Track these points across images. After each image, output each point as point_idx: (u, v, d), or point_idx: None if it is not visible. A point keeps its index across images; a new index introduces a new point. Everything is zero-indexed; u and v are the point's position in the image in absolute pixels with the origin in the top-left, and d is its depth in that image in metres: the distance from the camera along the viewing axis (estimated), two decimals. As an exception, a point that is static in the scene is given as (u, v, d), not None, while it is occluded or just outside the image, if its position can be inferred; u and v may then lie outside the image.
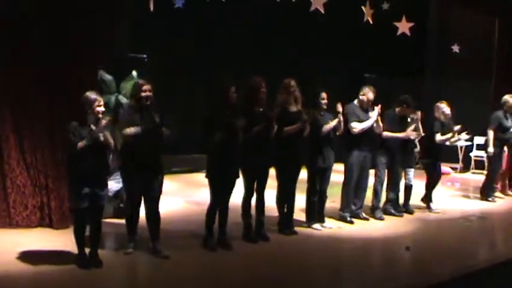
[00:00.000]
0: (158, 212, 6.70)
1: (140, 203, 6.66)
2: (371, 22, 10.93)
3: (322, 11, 9.89)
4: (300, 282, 6.23)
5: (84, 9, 7.73)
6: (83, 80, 7.76)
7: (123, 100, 9.81)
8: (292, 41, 13.71)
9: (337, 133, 8.13)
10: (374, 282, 6.43)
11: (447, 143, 9.68)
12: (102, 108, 6.11)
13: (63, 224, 7.64)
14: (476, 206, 10.45)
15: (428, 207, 9.74)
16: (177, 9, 10.78)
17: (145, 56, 11.19)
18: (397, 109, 8.94)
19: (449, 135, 9.51)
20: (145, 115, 6.47)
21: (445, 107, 9.65)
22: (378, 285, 6.32)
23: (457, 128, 9.66)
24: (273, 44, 13.46)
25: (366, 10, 10.89)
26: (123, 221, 7.02)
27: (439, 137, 9.43)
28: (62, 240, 7.09)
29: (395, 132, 8.83)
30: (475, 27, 15.26)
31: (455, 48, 13.82)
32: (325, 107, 8.01)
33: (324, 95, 7.99)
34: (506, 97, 10.96)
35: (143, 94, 6.49)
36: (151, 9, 9.36)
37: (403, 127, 8.92)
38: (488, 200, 10.71)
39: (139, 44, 11.43)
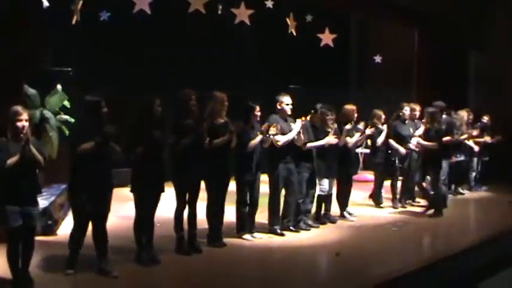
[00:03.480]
0: (106, 230, 6.57)
1: (88, 223, 6.50)
2: (295, 34, 11.13)
3: (248, 23, 10.00)
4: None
5: (7, 23, 7.57)
6: (7, 95, 7.61)
7: (48, 114, 9.64)
8: (219, 53, 13.76)
9: (264, 146, 8.20)
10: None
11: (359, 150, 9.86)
12: (23, 123, 5.90)
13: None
14: (402, 211, 10.74)
15: (342, 215, 9.85)
16: (102, 22, 10.68)
17: (70, 69, 11.02)
18: (310, 118, 8.88)
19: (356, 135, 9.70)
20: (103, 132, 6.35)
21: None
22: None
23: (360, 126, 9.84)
24: (200, 56, 13.47)
25: (290, 22, 11.08)
26: (51, 238, 6.87)
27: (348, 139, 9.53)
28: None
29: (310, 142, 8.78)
30: (396, 38, 15.79)
31: (377, 59, 14.18)
32: (258, 119, 8.12)
33: (257, 107, 8.11)
34: (411, 105, 11.38)
35: (102, 110, 6.40)
36: (74, 22, 9.22)
37: (317, 136, 8.88)
38: (381, 207, 10.90)
39: (65, 57, 11.24)
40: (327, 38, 11.58)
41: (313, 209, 9.29)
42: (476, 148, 12.88)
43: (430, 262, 7.53)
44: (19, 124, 5.88)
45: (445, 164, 10.64)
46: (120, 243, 7.21)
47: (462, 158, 12.56)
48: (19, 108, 5.98)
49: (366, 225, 9.57)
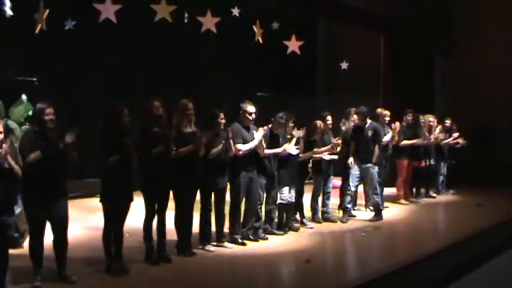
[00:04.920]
0: (66, 239, 6.52)
1: (44, 230, 6.44)
2: (261, 41, 11.14)
3: (214, 31, 9.98)
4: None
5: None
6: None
7: (13, 125, 9.47)
8: (186, 62, 13.73)
9: (229, 154, 8.14)
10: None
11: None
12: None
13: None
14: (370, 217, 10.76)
15: (302, 223, 9.77)
16: (67, 31, 10.57)
17: (35, 79, 10.89)
18: (271, 126, 8.81)
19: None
20: (48, 139, 6.28)
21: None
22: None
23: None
24: (166, 64, 13.43)
25: (257, 29, 11.10)
26: (18, 251, 6.77)
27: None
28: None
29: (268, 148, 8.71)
30: (362, 44, 15.93)
31: (344, 65, 14.25)
32: (222, 127, 8.05)
33: (221, 114, 8.04)
34: (379, 110, 11.46)
35: (46, 117, 6.30)
36: (37, 31, 9.12)
37: (275, 143, 8.82)
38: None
39: (29, 67, 11.11)
40: (293, 45, 11.59)
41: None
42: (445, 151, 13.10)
43: (399, 266, 7.55)
44: None
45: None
46: (89, 254, 7.13)
47: (432, 162, 12.73)
48: None
49: (333, 232, 9.58)
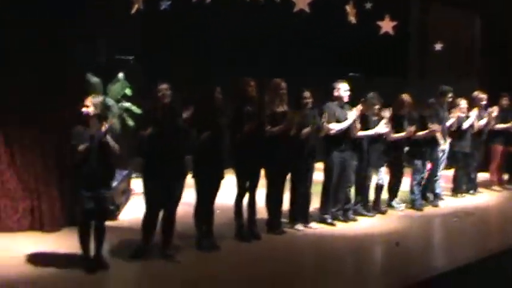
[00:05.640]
0: (175, 217, 6.67)
1: (161, 208, 6.59)
2: (354, 22, 11.00)
3: (308, 11, 9.92)
4: (293, 280, 6.29)
5: (71, 13, 7.74)
6: (70, 83, 7.81)
7: (111, 102, 9.82)
8: (278, 42, 13.74)
9: (321, 134, 8.14)
10: (366, 278, 6.51)
11: None
12: (90, 109, 6.08)
13: (54, 227, 7.65)
14: (465, 202, 10.53)
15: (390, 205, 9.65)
16: (163, 11, 10.76)
17: (131, 57, 11.17)
18: (361, 107, 8.60)
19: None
20: (166, 116, 6.45)
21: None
22: (370, 281, 6.40)
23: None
24: (258, 44, 13.47)
25: (349, 9, 10.96)
26: (113, 223, 7.00)
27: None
28: (54, 243, 7.13)
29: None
30: (457, 24, 15.43)
31: (438, 46, 13.87)
32: (309, 106, 8.02)
33: (307, 94, 7.99)
34: (476, 93, 11.16)
35: (160, 94, 6.47)
36: (134, 11, 9.32)
37: (366, 125, 8.75)
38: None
39: (125, 46, 11.40)
40: (386, 25, 11.37)
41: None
42: None
43: (487, 254, 7.35)
44: (83, 110, 6.08)
45: None
46: (180, 229, 7.32)
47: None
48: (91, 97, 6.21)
49: (423, 216, 9.43)
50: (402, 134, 9.35)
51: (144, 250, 6.59)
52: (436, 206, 10.01)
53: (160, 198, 6.51)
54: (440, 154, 10.10)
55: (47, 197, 7.64)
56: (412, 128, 9.38)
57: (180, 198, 6.61)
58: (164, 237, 6.67)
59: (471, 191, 11.12)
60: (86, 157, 6.01)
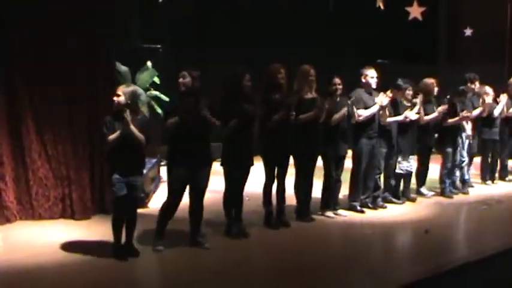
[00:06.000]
0: (203, 204, 6.67)
1: (182, 196, 6.58)
2: (382, 7, 10.93)
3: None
4: (321, 267, 6.29)
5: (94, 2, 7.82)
6: (99, 72, 7.88)
7: (139, 91, 9.84)
8: (305, 28, 13.69)
9: (352, 121, 8.12)
10: (395, 265, 6.49)
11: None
12: (121, 99, 6.10)
13: (84, 214, 7.74)
14: (494, 189, 10.44)
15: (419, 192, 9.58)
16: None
17: (159, 46, 11.21)
18: (391, 93, 8.49)
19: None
20: (188, 103, 6.39)
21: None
22: (399, 269, 6.37)
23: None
24: (286, 31, 13.44)
25: (378, -5, 10.90)
26: (143, 211, 7.06)
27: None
28: (85, 231, 7.24)
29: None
30: (487, 9, 15.20)
31: (468, 32, 13.73)
32: (339, 92, 7.96)
33: (337, 80, 7.93)
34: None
35: (181, 80, 6.42)
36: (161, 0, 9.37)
37: (397, 111, 8.69)
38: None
39: (154, 34, 11.44)
40: (415, 11, 11.35)
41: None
42: None
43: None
44: (115, 99, 6.13)
45: None
46: (210, 216, 7.36)
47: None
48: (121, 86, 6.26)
49: (453, 203, 9.35)
50: (434, 115, 9.25)
51: (162, 235, 6.60)
52: (466, 193, 9.92)
53: (184, 186, 6.50)
54: (466, 141, 10.00)
55: (78, 185, 7.73)
56: (442, 108, 9.28)
57: (206, 185, 6.61)
58: (193, 225, 6.69)
59: (506, 178, 11.02)
60: (116, 146, 6.05)
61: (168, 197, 6.59)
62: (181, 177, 6.42)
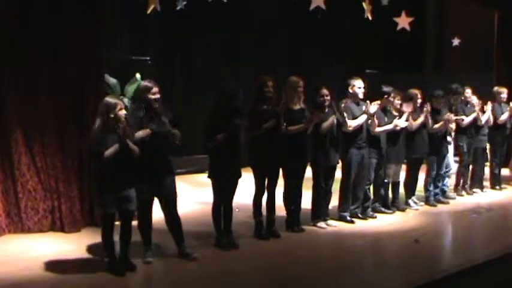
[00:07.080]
0: (177, 215, 6.62)
1: (152, 208, 6.59)
2: (370, 18, 10.97)
3: (323, 7, 9.90)
4: (312, 277, 6.29)
5: (85, 12, 7.82)
6: (88, 84, 7.87)
7: (128, 103, 9.84)
8: (293, 40, 13.75)
9: (343, 129, 8.10)
10: (385, 275, 6.51)
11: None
12: (124, 112, 6.02)
13: (74, 227, 7.71)
14: (484, 198, 10.48)
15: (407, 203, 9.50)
16: (179, 11, 10.80)
17: (148, 58, 11.22)
18: (380, 102, 8.49)
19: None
20: (154, 117, 6.37)
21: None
22: (389, 279, 6.38)
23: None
24: (273, 42, 13.49)
25: (366, 6, 10.92)
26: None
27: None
28: (75, 244, 7.18)
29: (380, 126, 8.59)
30: (474, 20, 15.32)
31: (456, 42, 13.81)
32: (327, 103, 7.94)
33: (325, 91, 7.91)
34: (496, 88, 11.14)
35: (152, 96, 6.38)
36: (149, 11, 9.36)
37: (386, 119, 8.71)
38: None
39: (142, 46, 11.45)
40: (403, 21, 11.36)
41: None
42: None
43: (506, 252, 7.29)
44: (121, 113, 5.98)
45: None
46: (199, 228, 7.33)
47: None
48: (115, 100, 6.12)
49: (442, 213, 9.36)
50: (441, 124, 9.40)
51: (149, 251, 6.58)
52: (446, 203, 9.85)
53: (150, 199, 6.49)
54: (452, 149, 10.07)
55: (67, 198, 7.70)
56: (449, 116, 9.44)
57: (175, 197, 6.57)
58: (174, 237, 6.66)
59: (497, 187, 11.08)
60: (110, 161, 5.92)
61: (138, 215, 6.57)
62: (145, 190, 6.35)
